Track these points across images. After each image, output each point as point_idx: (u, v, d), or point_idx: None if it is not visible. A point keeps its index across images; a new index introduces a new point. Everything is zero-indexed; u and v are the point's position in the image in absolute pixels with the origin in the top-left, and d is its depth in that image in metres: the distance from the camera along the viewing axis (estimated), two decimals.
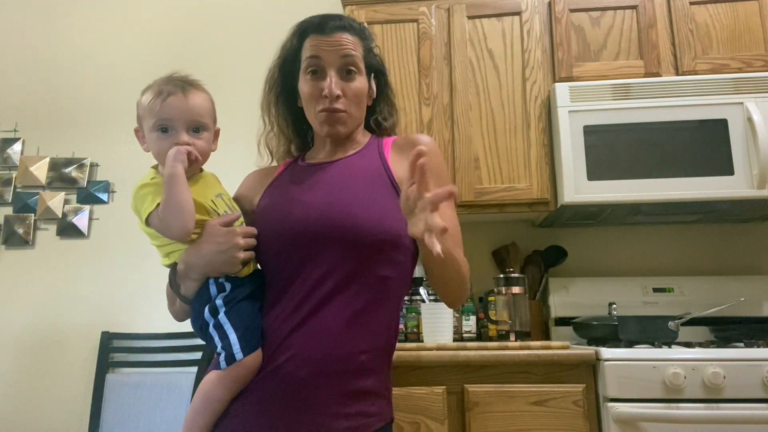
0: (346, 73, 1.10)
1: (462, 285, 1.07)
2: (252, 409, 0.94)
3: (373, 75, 1.19)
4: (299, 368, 0.94)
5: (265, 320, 1.00)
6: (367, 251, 0.99)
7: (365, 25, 1.22)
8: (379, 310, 1.02)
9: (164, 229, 0.98)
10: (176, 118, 1.01)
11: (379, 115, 1.22)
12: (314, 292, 0.98)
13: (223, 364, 0.94)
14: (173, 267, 1.04)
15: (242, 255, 1.00)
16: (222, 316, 0.97)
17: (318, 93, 1.09)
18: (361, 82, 1.12)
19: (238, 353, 0.94)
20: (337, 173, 1.10)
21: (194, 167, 1.04)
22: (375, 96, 1.20)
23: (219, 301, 0.98)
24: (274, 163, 1.24)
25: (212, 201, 1.04)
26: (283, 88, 1.20)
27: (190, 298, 1.03)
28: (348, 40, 1.11)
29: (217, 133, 1.11)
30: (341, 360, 0.96)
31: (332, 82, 1.08)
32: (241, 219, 1.08)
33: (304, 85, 1.13)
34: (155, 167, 1.07)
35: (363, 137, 1.19)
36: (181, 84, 1.04)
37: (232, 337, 0.95)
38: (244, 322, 0.97)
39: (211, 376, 0.96)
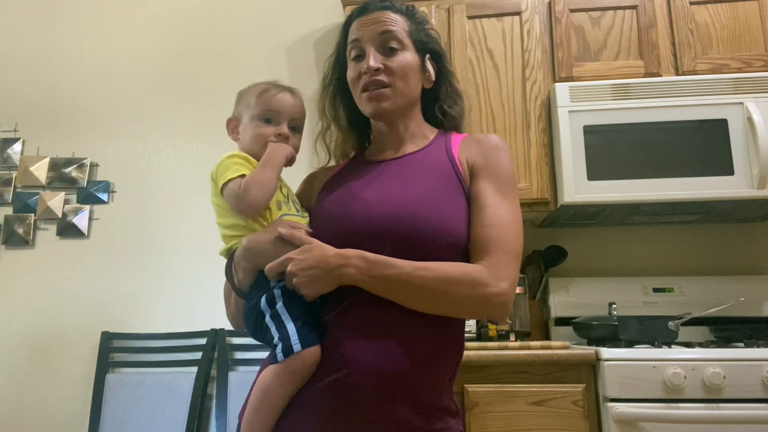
0: (389, 50, 1.04)
1: (447, 303, 0.90)
2: (313, 422, 0.87)
3: (429, 56, 1.10)
4: (365, 381, 0.86)
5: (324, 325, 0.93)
6: (431, 252, 0.91)
7: (414, 6, 1.14)
8: (449, 319, 0.93)
9: (238, 198, 0.97)
10: (283, 112, 1.08)
11: (443, 102, 1.12)
12: (377, 296, 0.90)
13: (280, 356, 0.89)
14: (230, 256, 1.00)
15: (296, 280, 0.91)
16: (280, 306, 0.92)
17: (360, 74, 1.04)
18: (405, 57, 1.04)
19: (297, 345, 0.88)
20: (401, 170, 1.03)
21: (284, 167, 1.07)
22: (434, 79, 1.11)
23: (277, 291, 0.93)
24: (332, 162, 1.18)
25: (284, 194, 1.06)
26: (339, 85, 1.15)
27: (244, 290, 0.97)
28: (388, 16, 1.05)
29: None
30: (410, 374, 0.87)
31: (371, 57, 1.02)
32: (307, 220, 1.06)
33: (349, 71, 1.08)
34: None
35: (428, 132, 1.11)
36: (288, 87, 1.12)
37: (290, 327, 0.90)
38: (303, 313, 0.92)
39: (268, 371, 0.90)
